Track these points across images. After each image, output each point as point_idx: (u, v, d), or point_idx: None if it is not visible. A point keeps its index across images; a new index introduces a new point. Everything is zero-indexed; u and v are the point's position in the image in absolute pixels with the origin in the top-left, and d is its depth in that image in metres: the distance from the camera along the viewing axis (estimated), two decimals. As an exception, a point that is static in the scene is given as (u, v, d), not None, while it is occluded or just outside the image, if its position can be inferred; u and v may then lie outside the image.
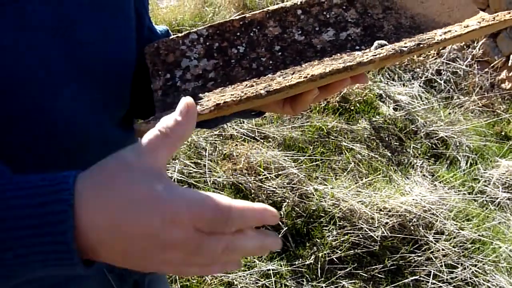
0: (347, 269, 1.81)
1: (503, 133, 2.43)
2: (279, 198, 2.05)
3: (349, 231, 1.92)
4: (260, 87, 0.49)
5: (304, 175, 2.14)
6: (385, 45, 0.57)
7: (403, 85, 2.77)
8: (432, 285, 1.71)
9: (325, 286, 1.75)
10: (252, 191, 2.09)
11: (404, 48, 0.49)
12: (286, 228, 1.95)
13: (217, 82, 0.60)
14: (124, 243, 0.33)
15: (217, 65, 0.61)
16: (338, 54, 0.60)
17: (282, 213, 2.00)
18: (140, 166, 0.34)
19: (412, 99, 2.61)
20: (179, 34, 0.63)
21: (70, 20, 0.50)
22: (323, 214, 2.00)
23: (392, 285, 1.75)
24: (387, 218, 1.91)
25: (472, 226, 1.89)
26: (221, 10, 3.29)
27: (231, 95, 0.48)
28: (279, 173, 2.13)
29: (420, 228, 1.91)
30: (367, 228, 1.91)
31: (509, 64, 2.72)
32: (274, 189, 2.07)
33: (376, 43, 0.58)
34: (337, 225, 1.96)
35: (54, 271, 0.34)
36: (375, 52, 0.50)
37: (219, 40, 0.63)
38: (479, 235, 1.85)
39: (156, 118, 0.45)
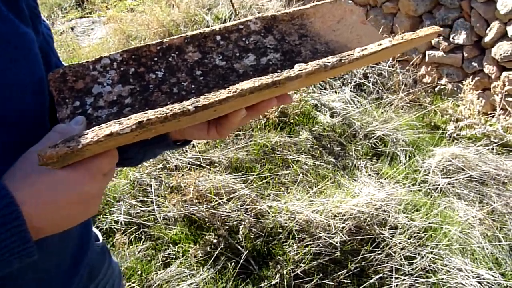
0: (313, 281, 1.79)
1: (432, 124, 2.59)
2: (235, 222, 2.00)
3: (308, 242, 1.91)
4: (187, 103, 0.45)
5: (256, 195, 2.12)
6: None
7: (335, 92, 2.88)
8: (396, 280, 1.74)
9: (294, 303, 1.71)
10: (206, 219, 2.02)
11: (328, 63, 0.51)
12: (247, 251, 1.90)
13: (135, 108, 0.56)
14: (63, 211, 0.44)
15: (133, 91, 0.58)
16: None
17: (240, 237, 1.95)
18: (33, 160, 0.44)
19: (346, 104, 2.72)
20: (89, 59, 0.59)
21: None
22: (281, 230, 1.98)
23: (359, 288, 1.76)
24: (342, 223, 1.93)
25: (422, 215, 1.96)
26: (147, 42, 3.23)
27: (155, 112, 0.44)
28: (231, 196, 2.09)
29: (375, 227, 1.95)
30: (325, 236, 1.91)
31: (426, 60, 2.94)
32: (229, 214, 2.02)
33: (297, 66, 0.60)
34: (296, 238, 1.94)
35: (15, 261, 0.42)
36: (300, 68, 0.50)
37: (135, 65, 0.59)
38: (429, 223, 1.92)
39: (66, 142, 0.40)
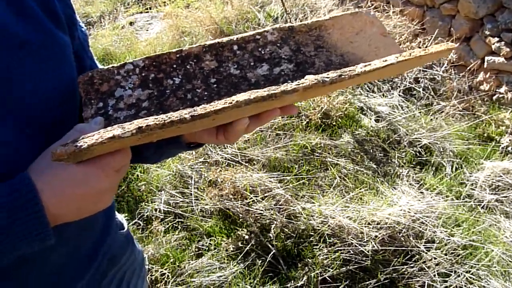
0: (341, 287, 1.78)
1: (485, 135, 2.44)
2: (267, 221, 2.04)
3: (339, 248, 1.89)
4: (185, 112, 0.49)
5: (290, 195, 2.13)
6: None
7: (383, 95, 2.79)
8: (428, 296, 1.68)
9: (319, 307, 1.71)
10: (240, 215, 2.07)
11: (326, 79, 0.51)
12: (277, 250, 1.93)
13: (150, 111, 0.60)
14: (77, 202, 0.50)
15: (151, 95, 0.62)
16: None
17: (271, 236, 1.98)
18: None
19: (393, 109, 2.63)
20: (114, 64, 0.64)
21: (7, 76, 0.52)
22: (312, 233, 1.98)
23: (388, 300, 1.72)
24: (376, 231, 1.89)
25: (462, 231, 1.87)
26: (199, 38, 3.34)
27: (155, 119, 0.48)
28: (266, 195, 2.12)
29: (411, 238, 1.89)
30: (357, 243, 1.89)
31: (485, 66, 2.76)
32: (262, 212, 2.06)
33: (306, 77, 0.61)
34: (327, 242, 1.94)
35: (33, 244, 0.48)
36: (298, 82, 0.51)
37: (155, 71, 0.64)
38: (470, 240, 1.83)
39: (75, 141, 0.45)
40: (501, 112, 2.61)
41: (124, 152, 0.53)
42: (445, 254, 1.79)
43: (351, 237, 1.91)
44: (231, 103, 0.48)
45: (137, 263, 0.87)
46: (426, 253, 1.82)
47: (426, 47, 0.56)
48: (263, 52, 0.67)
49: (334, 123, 2.65)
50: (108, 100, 0.61)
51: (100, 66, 0.74)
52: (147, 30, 4.26)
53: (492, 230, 1.89)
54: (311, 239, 1.96)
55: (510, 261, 1.75)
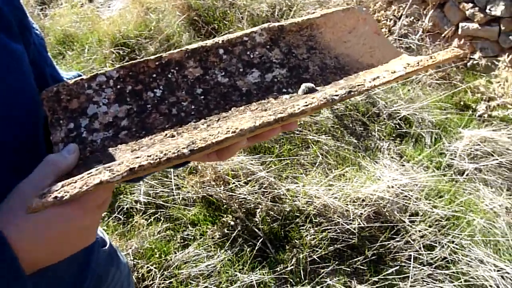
0: (330, 267, 1.79)
1: (461, 103, 2.46)
2: (252, 205, 2.00)
3: (326, 228, 1.89)
4: (182, 145, 0.42)
5: (274, 177, 2.10)
6: (313, 88, 0.55)
7: (360, 67, 2.75)
8: (414, 269, 1.71)
9: (310, 288, 1.72)
10: (224, 201, 2.03)
11: (335, 97, 0.48)
12: (264, 234, 1.91)
13: (131, 132, 0.53)
14: (58, 245, 0.45)
15: (130, 111, 0.55)
16: (266, 99, 0.55)
17: (257, 220, 1.95)
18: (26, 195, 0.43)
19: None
20: (84, 77, 0.56)
21: None
22: (298, 214, 1.97)
23: (376, 275, 1.75)
24: (361, 208, 1.90)
25: (445, 202, 1.90)
26: (166, 15, 3.16)
27: (148, 156, 0.41)
28: (248, 179, 2.08)
29: (395, 213, 1.91)
30: (343, 221, 1.89)
31: (459, 33, 2.75)
32: (246, 196, 2.02)
33: (303, 86, 0.56)
34: (314, 223, 1.93)
35: None
36: (306, 102, 0.46)
37: (132, 83, 0.56)
38: (452, 211, 1.86)
39: (52, 191, 0.38)
40: (476, 79, 2.63)
41: (107, 186, 0.46)
42: (429, 226, 1.82)
43: (337, 216, 1.91)
44: (234, 132, 0.42)
45: (124, 276, 0.82)
46: (411, 226, 1.84)
47: (432, 55, 0.55)
48: (252, 56, 0.61)
49: (312, 99, 2.60)
50: (80, 119, 0.53)
51: (63, 73, 0.65)
52: (108, 7, 4.01)
53: (472, 198, 1.93)
54: (297, 220, 1.95)
55: (490, 228, 1.80)
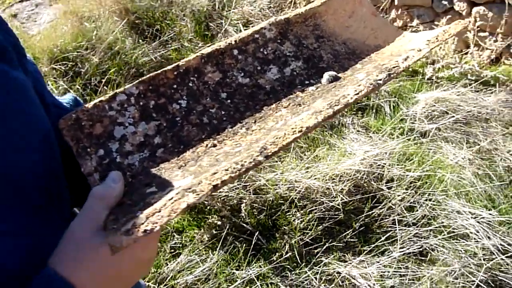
0: (323, 246, 1.83)
1: (411, 69, 2.60)
2: (235, 201, 2.00)
3: (311, 209, 1.94)
4: (255, 153, 0.41)
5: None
6: (336, 76, 0.56)
7: (310, 49, 2.81)
8: (400, 231, 1.81)
9: (309, 270, 1.76)
10: (206, 203, 2.00)
11: (380, 81, 0.50)
12: (252, 227, 1.91)
13: (168, 148, 0.51)
14: (118, 283, 0.43)
15: (160, 127, 0.52)
16: (293, 93, 0.56)
17: (243, 215, 1.95)
18: (82, 235, 0.41)
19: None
20: (102, 98, 0.52)
21: None
22: (282, 201, 1.99)
23: (366, 244, 1.82)
24: (341, 184, 1.96)
25: (416, 165, 2.01)
26: (103, 22, 3.00)
27: (226, 170, 0.40)
28: (226, 175, 2.06)
29: (373, 183, 2.00)
30: (326, 200, 1.94)
31: (396, 3, 2.89)
32: (227, 193, 2.01)
33: (327, 75, 0.57)
34: (299, 206, 1.97)
35: None
36: (355, 90, 0.47)
37: (154, 97, 0.53)
38: (423, 171, 1.98)
39: (134, 225, 0.36)
40: (418, 44, 2.78)
41: (156, 242, 0.46)
42: (406, 189, 1.93)
43: (320, 196, 1.96)
44: (301, 131, 0.41)
45: None
46: (390, 192, 1.94)
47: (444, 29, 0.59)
48: (266, 53, 0.61)
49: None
50: (109, 144, 0.50)
51: (62, 99, 0.60)
52: (35, 21, 3.73)
53: (438, 156, 2.06)
54: (282, 207, 1.97)
55: (459, 180, 1.94)
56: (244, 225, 1.93)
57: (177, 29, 3.14)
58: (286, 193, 2.00)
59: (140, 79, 0.53)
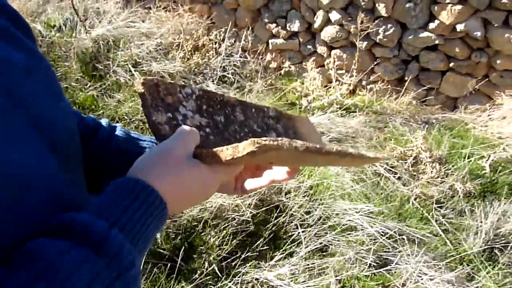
0: (240, 258, 1.98)
1: (289, 102, 3.04)
2: (149, 228, 2.02)
3: (224, 226, 2.08)
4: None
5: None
6: None
7: (202, 87, 3.05)
8: (303, 233, 2.08)
9: (229, 282, 1.87)
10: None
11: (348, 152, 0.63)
12: (170, 252, 1.95)
13: (217, 140, 0.62)
14: (189, 198, 0.52)
15: (209, 124, 0.63)
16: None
17: (159, 241, 1.98)
18: (180, 155, 0.50)
19: (216, 96, 2.93)
20: (177, 83, 0.63)
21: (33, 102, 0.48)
22: (196, 223, 2.09)
23: (276, 250, 2.03)
24: (249, 199, 2.16)
25: (307, 177, 2.35)
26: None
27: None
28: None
29: (274, 196, 2.26)
30: (237, 216, 2.11)
31: (270, 48, 3.38)
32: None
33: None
34: (212, 225, 2.09)
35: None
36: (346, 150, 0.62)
37: (206, 104, 0.65)
38: (313, 181, 2.33)
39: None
40: (292, 82, 3.28)
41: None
42: (303, 197, 2.23)
43: (230, 213, 2.12)
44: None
45: None
46: (289, 202, 2.22)
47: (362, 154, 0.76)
48: (267, 122, 0.76)
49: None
50: (176, 114, 0.59)
51: None
52: None
53: (322, 169, 2.45)
54: (197, 228, 2.07)
55: (341, 185, 2.34)
56: (161, 251, 1.96)
57: (62, 69, 3.06)
58: (199, 215, 2.11)
59: (200, 87, 0.66)
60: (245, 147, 0.48)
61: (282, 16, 3.20)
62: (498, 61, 2.75)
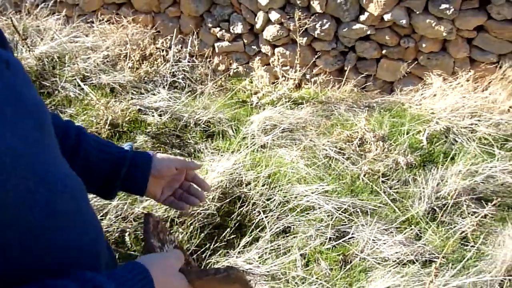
0: (209, 249, 2.07)
1: (241, 100, 3.18)
2: (117, 234, 2.06)
3: (191, 222, 2.17)
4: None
5: (129, 202, 2.20)
6: None
7: (153, 94, 3.11)
8: (266, 218, 2.21)
9: (201, 272, 1.96)
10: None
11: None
12: (140, 254, 2.01)
13: None
14: None
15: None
16: None
17: (129, 244, 2.03)
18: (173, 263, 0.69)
19: (169, 102, 3.00)
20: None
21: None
22: (163, 223, 2.15)
23: (243, 237, 2.15)
24: (212, 193, 2.26)
25: (264, 167, 2.49)
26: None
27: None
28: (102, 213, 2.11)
29: (235, 188, 2.37)
30: (202, 210, 2.21)
31: (217, 51, 3.50)
32: (107, 228, 2.06)
33: None
34: (179, 223, 2.17)
35: None
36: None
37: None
38: (270, 171, 2.47)
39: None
40: (242, 81, 3.43)
41: None
42: (262, 186, 2.37)
43: (195, 208, 2.21)
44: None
45: None
46: (250, 192, 2.34)
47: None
48: None
49: (125, 130, 2.79)
50: (163, 247, 0.78)
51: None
52: None
53: (278, 158, 2.60)
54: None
55: (296, 171, 2.49)
56: (132, 253, 2.01)
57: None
58: (164, 214, 2.18)
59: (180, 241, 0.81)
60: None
61: (225, 19, 3.33)
62: (424, 45, 3.05)
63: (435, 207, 2.27)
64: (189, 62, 3.45)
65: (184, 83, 3.28)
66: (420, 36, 3.04)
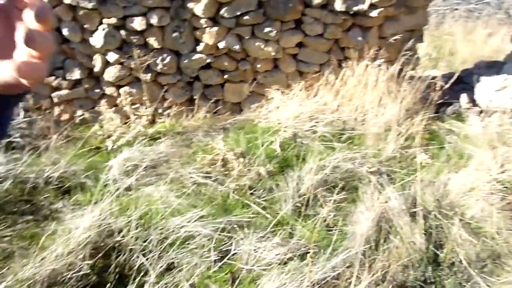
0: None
1: (95, 147, 3.00)
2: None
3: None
4: None
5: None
6: None
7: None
8: (147, 260, 2.12)
9: None
10: None
11: None
12: None
13: None
14: None
15: None
16: None
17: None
18: None
19: (8, 166, 2.65)
20: None
21: None
22: None
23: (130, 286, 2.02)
24: (82, 252, 2.07)
25: (134, 210, 2.39)
26: None
27: None
28: None
29: (106, 239, 2.21)
30: (73, 274, 2.00)
31: (56, 101, 3.24)
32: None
33: None
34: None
35: None
36: None
37: None
38: (140, 212, 2.38)
39: None
40: (91, 127, 3.24)
41: None
42: (136, 229, 2.27)
43: (65, 273, 1.99)
44: None
45: None
46: (124, 239, 2.22)
47: None
48: None
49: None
50: None
51: None
52: None
53: (149, 197, 2.53)
54: None
55: (169, 205, 2.46)
56: None
57: None
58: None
59: None
60: None
61: (59, 67, 3.13)
62: (259, 65, 3.40)
63: (298, 204, 2.52)
64: (25, 118, 3.11)
65: (24, 141, 2.94)
66: (254, 58, 3.38)
